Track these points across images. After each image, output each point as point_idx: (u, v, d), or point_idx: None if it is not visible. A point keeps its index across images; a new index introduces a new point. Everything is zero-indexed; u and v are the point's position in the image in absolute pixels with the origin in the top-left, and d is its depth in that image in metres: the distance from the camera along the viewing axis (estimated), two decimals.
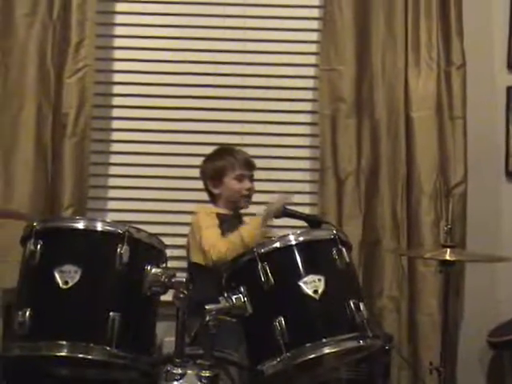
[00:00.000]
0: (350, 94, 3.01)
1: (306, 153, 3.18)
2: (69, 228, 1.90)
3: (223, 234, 2.54)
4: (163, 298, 1.94)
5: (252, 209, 2.73)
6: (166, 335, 2.18)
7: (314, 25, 3.16)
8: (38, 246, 1.85)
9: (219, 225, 2.57)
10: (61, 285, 1.78)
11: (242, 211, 2.74)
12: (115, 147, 3.16)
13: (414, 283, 2.97)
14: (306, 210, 2.95)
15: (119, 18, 3.17)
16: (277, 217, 2.53)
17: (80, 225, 1.88)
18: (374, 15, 3.05)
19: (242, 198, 2.67)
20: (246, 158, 2.70)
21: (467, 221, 2.98)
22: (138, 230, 1.91)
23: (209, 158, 2.75)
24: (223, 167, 2.67)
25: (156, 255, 1.95)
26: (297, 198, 3.01)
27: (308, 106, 3.17)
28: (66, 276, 1.79)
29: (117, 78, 3.17)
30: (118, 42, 3.17)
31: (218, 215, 2.62)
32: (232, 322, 1.98)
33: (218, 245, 2.44)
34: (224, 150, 2.76)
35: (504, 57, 3.16)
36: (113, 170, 3.16)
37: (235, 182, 2.65)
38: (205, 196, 2.90)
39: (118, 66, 3.17)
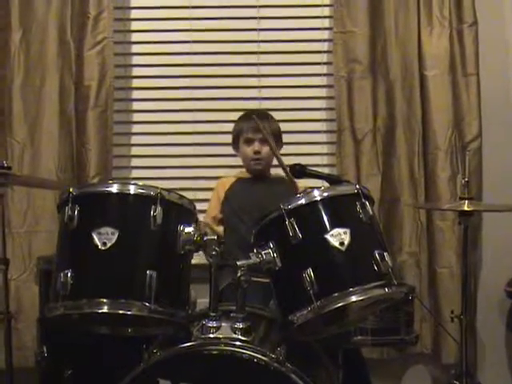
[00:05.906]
0: (364, 56, 3.03)
1: (322, 115, 3.20)
2: (104, 192, 1.94)
3: (237, 196, 2.68)
4: (194, 261, 1.99)
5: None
6: (198, 297, 2.23)
7: None
8: (76, 211, 1.88)
9: (237, 188, 2.70)
10: (99, 246, 1.84)
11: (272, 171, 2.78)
12: (137, 117, 3.20)
13: (433, 237, 3.01)
14: (325, 172, 2.96)
15: None
16: (297, 177, 2.50)
17: (114, 189, 1.93)
18: None
19: (251, 162, 2.71)
20: (254, 123, 2.60)
21: (483, 175, 3.01)
22: (170, 191, 1.96)
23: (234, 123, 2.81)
24: (238, 131, 2.75)
25: (187, 216, 1.99)
26: (315, 160, 3.12)
27: (323, 69, 3.19)
28: (104, 238, 1.84)
29: (136, 49, 3.20)
30: (135, 14, 3.20)
31: (239, 179, 2.75)
32: (257, 282, 2.04)
33: (206, 218, 2.73)
34: (243, 115, 2.79)
35: None
36: (135, 140, 3.21)
37: (245, 146, 2.72)
38: (226, 162, 3.02)
39: (136, 37, 3.20)
